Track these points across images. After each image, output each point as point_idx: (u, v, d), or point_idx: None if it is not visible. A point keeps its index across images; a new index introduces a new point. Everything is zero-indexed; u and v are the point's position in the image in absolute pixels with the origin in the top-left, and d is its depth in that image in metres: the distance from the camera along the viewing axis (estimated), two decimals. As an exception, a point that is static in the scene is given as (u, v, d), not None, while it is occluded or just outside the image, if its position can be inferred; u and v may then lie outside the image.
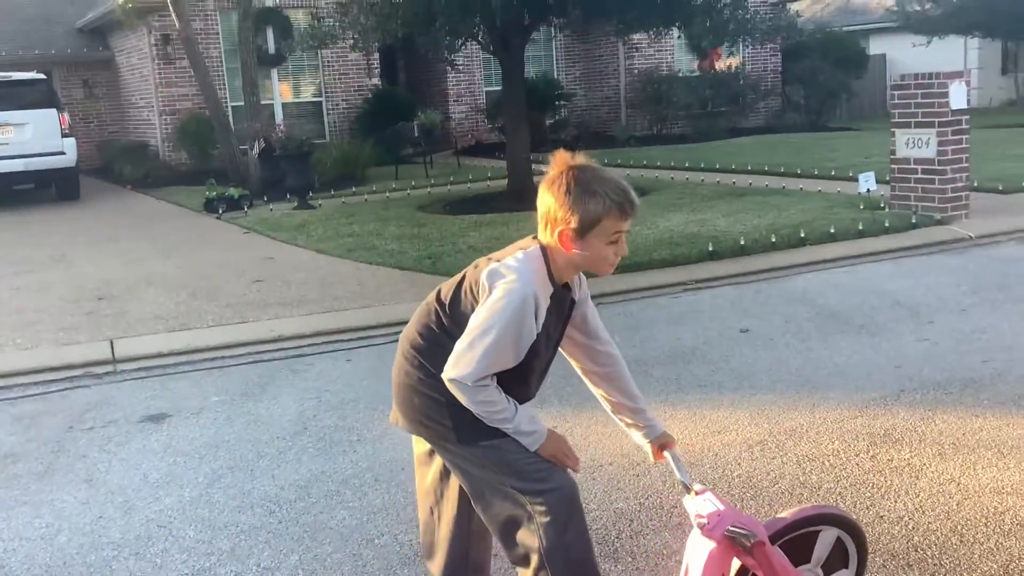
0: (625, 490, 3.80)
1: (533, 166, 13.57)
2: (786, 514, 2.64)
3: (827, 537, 2.68)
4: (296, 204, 13.20)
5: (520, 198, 11.93)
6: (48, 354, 6.48)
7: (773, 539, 2.52)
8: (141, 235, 11.66)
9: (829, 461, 3.98)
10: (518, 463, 2.38)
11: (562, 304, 2.42)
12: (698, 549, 2.49)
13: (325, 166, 15.49)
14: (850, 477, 3.81)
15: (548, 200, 2.31)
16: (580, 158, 2.36)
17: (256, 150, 14.57)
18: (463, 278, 2.45)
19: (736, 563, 2.51)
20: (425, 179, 15.65)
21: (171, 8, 15.72)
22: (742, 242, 8.51)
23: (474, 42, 12.78)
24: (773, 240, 8.62)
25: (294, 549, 3.44)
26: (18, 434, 4.93)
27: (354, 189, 14.76)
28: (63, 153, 15.26)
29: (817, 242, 8.74)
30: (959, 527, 3.35)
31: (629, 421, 2.68)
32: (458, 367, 2.29)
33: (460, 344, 2.30)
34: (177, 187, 16.26)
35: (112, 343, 6.60)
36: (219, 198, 13.39)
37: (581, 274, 2.51)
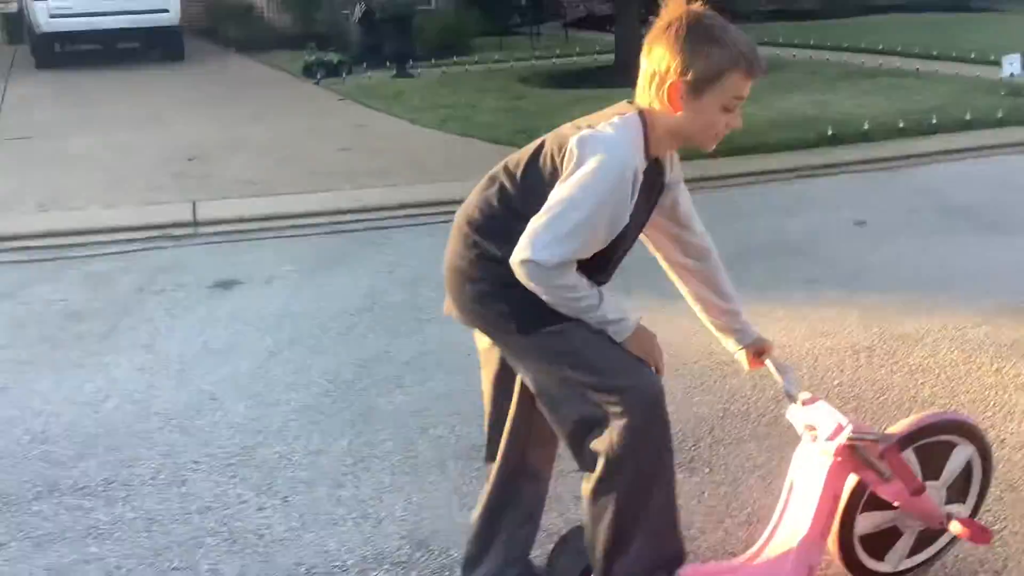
0: (709, 392, 3.43)
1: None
2: (919, 417, 2.26)
3: (961, 455, 2.30)
4: (395, 72, 12.81)
5: (628, 73, 11.01)
6: (130, 213, 6.38)
7: (904, 443, 2.17)
8: (238, 98, 11.50)
9: (946, 373, 3.52)
10: (592, 353, 2.00)
11: (653, 183, 2.03)
12: (809, 464, 2.14)
13: (427, 34, 14.98)
14: (969, 392, 3.36)
15: (658, 51, 1.92)
16: (698, 5, 1.95)
17: (357, 14, 14.15)
18: (541, 145, 2.04)
19: (851, 481, 2.15)
20: (530, 51, 15.00)
21: None
22: (866, 127, 7.81)
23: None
24: (901, 126, 7.87)
25: (344, 432, 3.21)
26: (88, 293, 4.83)
27: (455, 59, 14.25)
28: (166, 11, 15.11)
29: (950, 129, 7.95)
30: (1097, 460, 2.89)
31: (720, 324, 2.30)
32: (535, 247, 1.88)
33: (538, 220, 1.90)
34: (280, 51, 15.99)
35: (195, 205, 6.46)
36: (318, 64, 13.09)
37: (675, 153, 2.12)
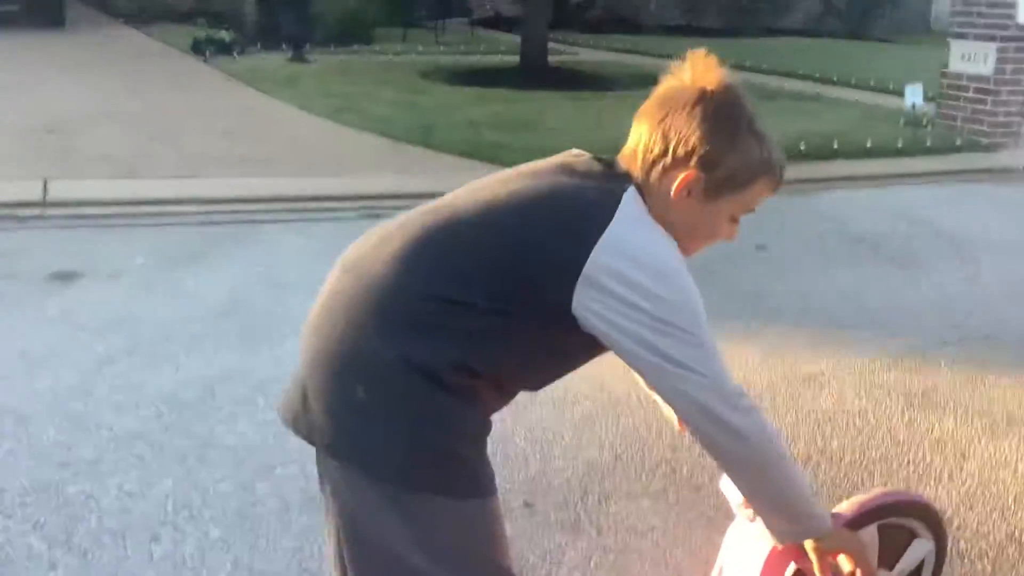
0: (600, 433, 3.07)
1: (550, 45, 12.54)
2: (877, 494, 1.92)
3: (920, 549, 1.98)
4: (290, 55, 12.18)
5: (531, 77, 10.96)
6: (-30, 189, 5.69)
7: (854, 524, 1.82)
8: (117, 70, 10.71)
9: (855, 423, 3.24)
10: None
11: None
12: (744, 549, 1.78)
13: (328, 19, 14.36)
14: (879, 448, 3.08)
15: (678, 123, 1.46)
16: (730, 75, 1.51)
17: (254, -7, 13.46)
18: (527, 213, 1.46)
19: (791, 569, 1.79)
20: (434, 45, 14.57)
21: None
22: (768, 148, 7.61)
23: None
24: (802, 148, 7.72)
25: (171, 469, 2.72)
26: (-102, 279, 4.18)
27: (355, 47, 13.69)
28: (47, -27, 14.11)
29: (851, 156, 7.84)
30: (1017, 532, 2.63)
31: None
32: (713, 373, 1.44)
33: (678, 357, 1.41)
34: (172, 25, 15.13)
35: (46, 183, 5.80)
36: (208, 40, 12.36)
37: None
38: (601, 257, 1.36)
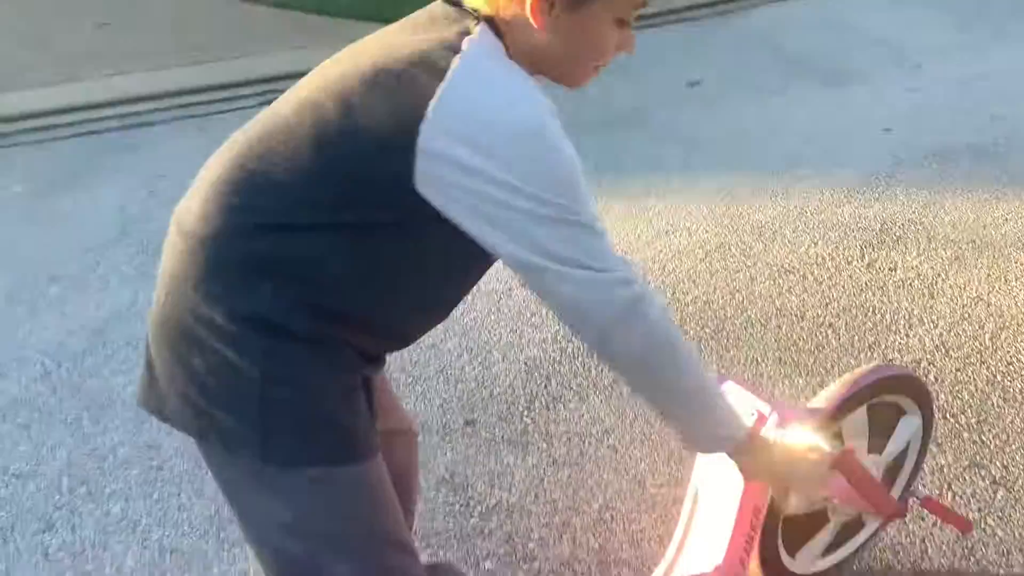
0: (540, 324, 2.79)
1: None
2: (857, 375, 1.67)
3: (908, 426, 1.77)
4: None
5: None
6: None
7: (843, 408, 1.61)
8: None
9: (813, 273, 3.00)
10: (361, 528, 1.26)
11: None
12: (718, 470, 1.55)
13: None
14: (842, 298, 2.85)
15: None
16: None
17: None
18: (348, 103, 1.14)
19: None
20: None
21: None
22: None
23: None
24: (724, -36, 7.24)
25: (63, 440, 2.39)
26: None
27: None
28: None
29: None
30: (999, 375, 2.43)
31: None
32: (585, 250, 1.13)
33: (544, 241, 1.11)
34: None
35: (-96, 109, 5.20)
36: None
37: None
38: (438, 125, 1.07)
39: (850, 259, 3.06)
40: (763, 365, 2.53)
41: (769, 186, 3.64)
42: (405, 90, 1.10)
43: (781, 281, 2.96)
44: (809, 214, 3.39)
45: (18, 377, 2.67)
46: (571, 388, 2.48)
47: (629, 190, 3.67)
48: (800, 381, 2.45)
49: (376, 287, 1.18)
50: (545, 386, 2.50)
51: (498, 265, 1.25)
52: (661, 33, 6.09)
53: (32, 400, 2.55)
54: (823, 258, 3.08)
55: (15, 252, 3.50)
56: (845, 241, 3.17)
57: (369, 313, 1.21)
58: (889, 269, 2.98)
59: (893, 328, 2.67)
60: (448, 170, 1.08)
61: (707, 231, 3.32)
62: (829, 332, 2.66)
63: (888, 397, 1.75)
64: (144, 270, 3.28)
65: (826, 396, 1.63)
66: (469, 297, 2.84)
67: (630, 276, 1.16)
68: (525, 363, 2.60)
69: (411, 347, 1.37)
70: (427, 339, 2.68)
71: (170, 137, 4.74)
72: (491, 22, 1.17)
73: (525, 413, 2.39)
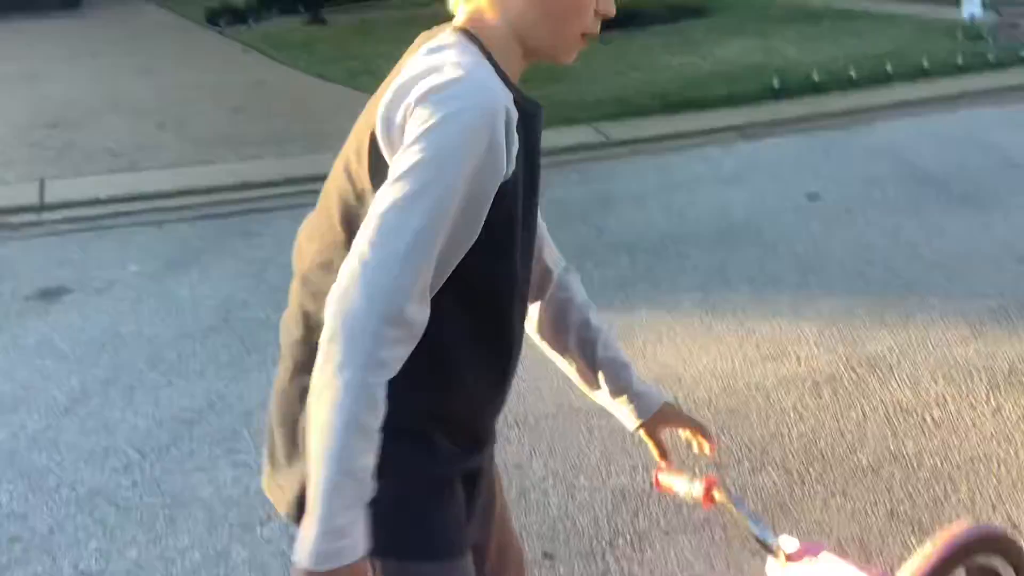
0: (631, 451, 2.65)
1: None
2: (958, 530, 1.49)
3: None
4: (307, 18, 11.74)
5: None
6: (-37, 196, 5.40)
7: (940, 569, 1.42)
8: (129, 49, 10.38)
9: (932, 416, 2.78)
10: None
11: (533, 126, 1.18)
12: None
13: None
14: (964, 446, 2.61)
15: None
16: None
17: (266, -45, 12.97)
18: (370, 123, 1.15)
19: None
20: (457, -7, 13.98)
21: None
22: (815, 76, 7.02)
23: None
24: (852, 75, 7.10)
25: (136, 538, 2.36)
26: None
27: (376, 3, 13.18)
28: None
29: (905, 78, 7.20)
30: None
31: (606, 387, 1.41)
32: (354, 274, 1.02)
33: (363, 227, 1.06)
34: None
35: (43, 184, 5.48)
36: (223, 9, 11.97)
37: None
38: (389, 98, 1.10)
39: (974, 402, 2.83)
40: (872, 518, 2.33)
41: (889, 313, 3.44)
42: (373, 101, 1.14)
43: (896, 422, 2.75)
44: (931, 347, 3.17)
45: (103, 466, 2.68)
46: (659, 526, 2.33)
47: (736, 308, 3.52)
48: (913, 540, 2.23)
49: (435, 352, 1.12)
50: (632, 521, 2.35)
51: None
52: (779, 142, 5.97)
53: (112, 492, 2.55)
54: (944, 399, 2.85)
55: (120, 333, 3.57)
56: (970, 382, 2.94)
57: (440, 389, 1.15)
58: (1018, 418, 2.73)
59: (1020, 485, 2.43)
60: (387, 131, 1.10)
61: (818, 359, 3.14)
62: (948, 486, 2.44)
63: (985, 559, 1.55)
64: (239, 362, 3.29)
65: (922, 556, 1.45)
66: (558, 414, 2.74)
67: (407, 317, 1.02)
68: (612, 493, 2.46)
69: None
70: (513, 457, 2.57)
71: (287, 224, 4.82)
72: (467, 32, 1.15)
73: (608, 551, 2.25)
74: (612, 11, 1.17)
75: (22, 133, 6.65)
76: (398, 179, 1.05)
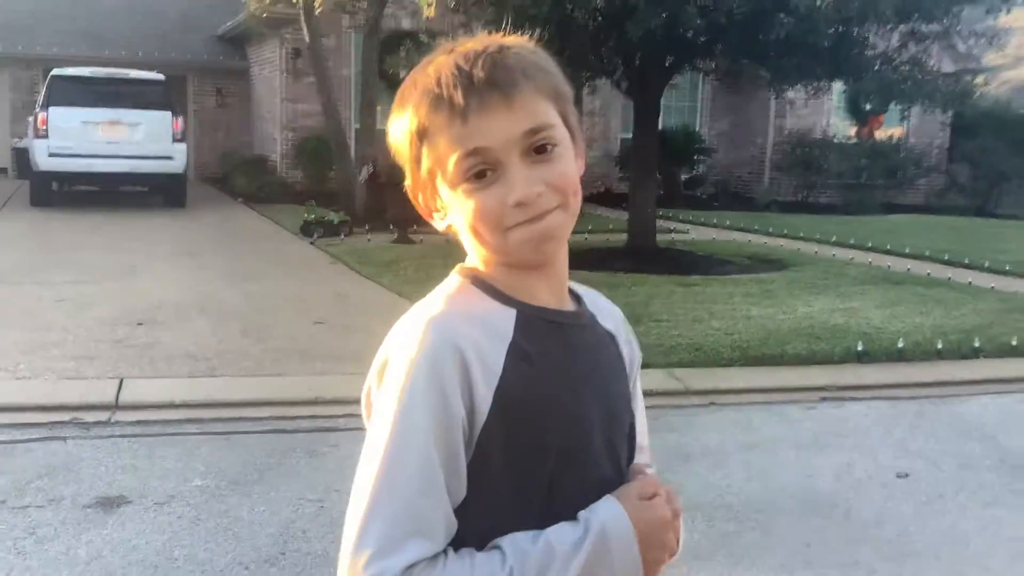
0: None
1: (659, 223, 12.22)
2: None
3: None
4: (396, 237, 12.16)
5: (639, 259, 10.56)
6: (43, 389, 5.46)
7: None
8: (224, 254, 10.80)
9: None
10: None
11: (563, 336, 1.17)
12: None
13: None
14: None
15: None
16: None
17: (364, 175, 13.67)
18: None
19: None
20: (541, 224, 14.43)
21: (303, 22, 15.05)
22: (900, 344, 6.90)
23: (608, 80, 11.52)
24: (939, 347, 6.97)
25: None
26: (-67, 503, 3.84)
27: (462, 227, 13.67)
28: (171, 158, 14.69)
29: (995, 355, 7.05)
30: None
31: None
32: (348, 555, 1.05)
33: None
34: (286, 205, 15.50)
35: (121, 383, 5.54)
36: (317, 222, 12.49)
37: (606, 303, 1.30)
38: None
39: None
40: None
41: (993, 623, 3.15)
42: None
43: None
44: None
45: None
46: None
47: (825, 598, 3.27)
48: None
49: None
50: None
51: None
52: (864, 409, 5.80)
53: None
54: None
55: (173, 556, 3.44)
56: None
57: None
58: None
59: None
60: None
61: (917, 673, 2.85)
62: None
63: None
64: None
65: None
66: None
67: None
68: None
69: None
70: None
71: (350, 447, 4.74)
72: (462, 268, 1.19)
73: None
74: (518, 197, 1.09)
75: (111, 329, 6.81)
76: (368, 442, 1.09)
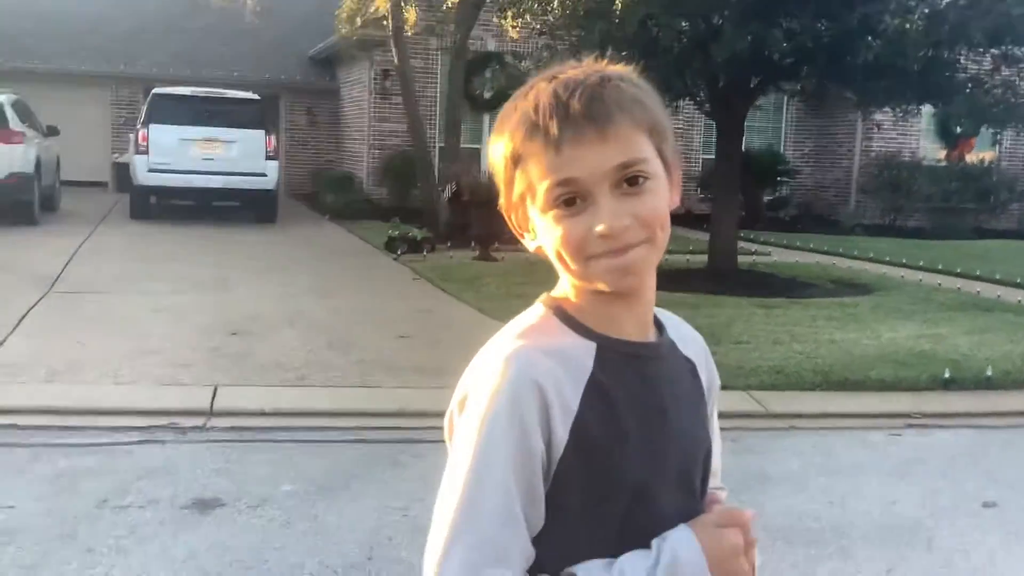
0: None
1: (741, 245, 12.15)
2: None
3: None
4: (477, 254, 12.33)
5: (720, 280, 10.52)
6: (142, 394, 5.72)
7: None
8: (313, 267, 11.10)
9: None
10: None
11: (642, 368, 1.21)
12: None
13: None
14: None
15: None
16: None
17: (447, 193, 13.90)
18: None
19: None
20: (622, 244, 14.45)
21: (392, 44, 15.41)
22: (989, 372, 6.76)
23: (691, 101, 11.53)
24: (1033, 375, 6.80)
25: None
26: (44, 501, 4.07)
27: (544, 246, 13.77)
28: (264, 175, 15.16)
29: (1088, 386, 6.84)
30: None
31: None
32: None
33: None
34: (372, 221, 15.82)
35: (215, 390, 5.77)
36: (401, 238, 12.74)
37: (688, 329, 1.33)
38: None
39: None
40: None
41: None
42: None
43: None
44: None
45: None
46: None
47: (905, 625, 3.25)
48: None
49: None
50: None
51: None
52: (949, 436, 5.70)
53: None
54: None
55: (264, 557, 3.60)
56: None
57: None
58: None
59: None
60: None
61: None
62: None
63: None
64: (378, 605, 3.24)
65: None
66: None
67: None
68: None
69: None
70: None
71: (434, 458, 4.85)
72: (549, 296, 1.24)
73: None
74: (603, 229, 1.12)
75: (205, 337, 7.09)
76: (444, 482, 1.14)
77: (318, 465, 4.69)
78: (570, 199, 1.13)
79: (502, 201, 1.21)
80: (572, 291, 1.21)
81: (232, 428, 5.24)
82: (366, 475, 4.57)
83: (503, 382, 1.11)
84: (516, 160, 1.16)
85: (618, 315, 1.20)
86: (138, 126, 15.13)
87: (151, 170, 14.55)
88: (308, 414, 5.53)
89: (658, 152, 1.16)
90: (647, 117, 1.15)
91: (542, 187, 1.14)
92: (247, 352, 6.74)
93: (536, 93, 1.15)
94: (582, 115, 1.11)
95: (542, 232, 1.17)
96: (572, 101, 1.12)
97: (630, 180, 1.13)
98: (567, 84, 1.13)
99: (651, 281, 1.21)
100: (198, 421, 5.31)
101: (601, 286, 1.16)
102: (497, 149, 1.18)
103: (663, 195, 1.17)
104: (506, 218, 1.23)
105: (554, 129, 1.11)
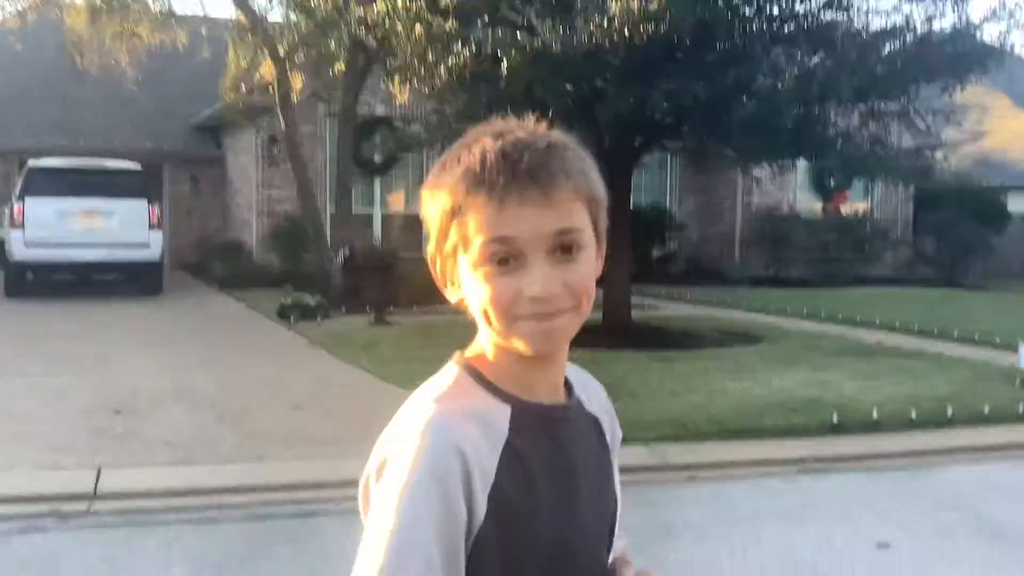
0: None
1: (633, 300, 12.36)
2: None
3: None
4: (373, 319, 12.21)
5: (614, 334, 10.65)
6: (21, 480, 5.42)
7: None
8: (201, 340, 10.79)
9: None
10: None
11: (555, 430, 1.21)
12: None
13: (411, 281, 14.55)
14: None
15: None
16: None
17: (340, 258, 13.77)
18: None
19: None
20: (516, 304, 14.53)
21: (278, 111, 15.31)
22: (875, 415, 6.99)
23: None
24: (913, 416, 7.06)
25: None
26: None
27: (439, 305, 13.73)
28: (147, 246, 14.74)
29: (967, 423, 7.14)
30: None
31: None
32: None
33: None
34: (263, 290, 15.48)
35: (99, 472, 5.49)
36: (293, 305, 12.52)
37: (593, 385, 1.35)
38: None
39: None
40: None
41: None
42: None
43: None
44: None
45: None
46: None
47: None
48: None
49: None
50: None
51: None
52: (841, 480, 5.85)
53: None
54: None
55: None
56: None
57: None
58: None
59: None
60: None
61: None
62: None
63: None
64: None
65: None
66: None
67: None
68: None
69: None
70: None
71: (335, 532, 4.72)
72: (463, 354, 1.22)
73: None
74: (537, 292, 1.12)
75: (87, 418, 6.77)
76: (360, 553, 1.09)
77: (211, 547, 4.50)
78: (504, 258, 1.12)
79: (430, 250, 1.20)
80: (490, 349, 1.20)
81: (118, 511, 4.99)
82: (263, 554, 4.40)
83: (424, 448, 1.09)
84: (454, 211, 1.14)
85: (532, 378, 1.20)
86: (13, 200, 14.57)
87: (28, 244, 13.98)
88: (198, 492, 5.31)
89: (593, 223, 1.18)
90: (588, 188, 1.17)
91: (477, 241, 1.12)
92: (132, 431, 6.46)
93: (482, 148, 1.13)
94: (529, 176, 1.11)
95: (469, 287, 1.16)
96: (520, 161, 1.11)
97: (564, 247, 1.13)
98: (516, 144, 1.13)
99: (566, 346, 1.21)
100: (81, 506, 5.04)
101: (521, 347, 1.15)
102: (435, 198, 1.16)
103: (592, 265, 1.17)
104: (430, 265, 1.21)
105: (500, 186, 1.11)
